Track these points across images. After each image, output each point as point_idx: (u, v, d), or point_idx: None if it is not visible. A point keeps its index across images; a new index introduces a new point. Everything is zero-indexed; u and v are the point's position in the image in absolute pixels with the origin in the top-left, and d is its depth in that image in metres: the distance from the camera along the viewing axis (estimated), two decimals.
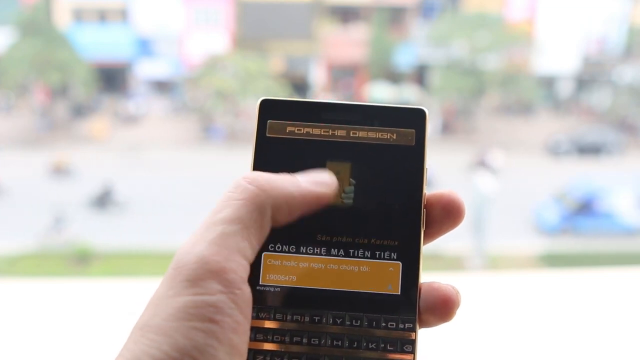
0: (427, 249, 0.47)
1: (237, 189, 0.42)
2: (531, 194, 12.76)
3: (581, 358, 2.34)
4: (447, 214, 0.46)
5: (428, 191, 0.47)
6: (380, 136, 0.47)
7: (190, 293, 0.38)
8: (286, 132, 0.48)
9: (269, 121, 0.48)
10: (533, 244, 10.61)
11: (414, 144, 0.47)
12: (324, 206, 0.44)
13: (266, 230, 0.42)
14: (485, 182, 9.55)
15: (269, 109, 0.48)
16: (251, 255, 0.41)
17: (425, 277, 0.45)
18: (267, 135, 0.48)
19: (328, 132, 0.47)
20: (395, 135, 0.47)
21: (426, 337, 0.46)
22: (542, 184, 13.61)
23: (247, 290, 0.40)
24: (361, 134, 0.48)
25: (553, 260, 9.76)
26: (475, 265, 8.97)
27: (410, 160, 0.47)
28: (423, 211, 0.46)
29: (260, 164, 0.47)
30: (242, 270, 0.40)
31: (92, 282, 6.37)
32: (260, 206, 0.41)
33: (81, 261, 9.55)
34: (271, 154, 0.47)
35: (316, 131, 0.48)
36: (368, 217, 0.46)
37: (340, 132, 0.48)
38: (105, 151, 16.83)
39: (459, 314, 0.44)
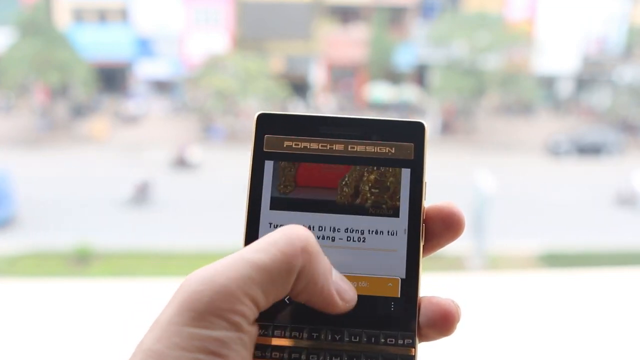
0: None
1: (287, 240, 0.40)
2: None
3: (581, 358, 2.34)
4: (447, 227, 0.45)
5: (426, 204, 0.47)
6: (378, 150, 0.47)
7: (197, 325, 0.38)
8: (283, 146, 0.47)
9: (266, 136, 0.47)
10: (533, 244, 10.62)
11: (412, 157, 0.47)
12: (327, 311, 0.43)
13: (287, 291, 0.41)
14: (485, 182, 9.54)
15: (266, 124, 0.47)
16: (264, 308, 0.41)
17: (426, 277, 0.45)
18: (265, 150, 0.47)
19: (326, 146, 0.47)
20: (393, 149, 0.47)
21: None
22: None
23: (253, 330, 0.40)
24: (359, 148, 0.47)
25: (553, 260, 9.75)
26: (475, 265, 8.97)
27: (409, 174, 0.46)
28: (422, 225, 0.45)
29: (257, 179, 0.47)
30: (251, 315, 0.40)
31: (92, 282, 6.37)
32: (293, 268, 0.40)
33: (81, 261, 9.55)
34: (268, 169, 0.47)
35: (314, 146, 0.47)
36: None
37: (338, 147, 0.47)
38: (105, 151, 16.82)
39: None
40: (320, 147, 0.47)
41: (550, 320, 2.59)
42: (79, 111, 19.82)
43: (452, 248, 8.98)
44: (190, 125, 19.40)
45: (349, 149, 0.47)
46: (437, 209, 0.46)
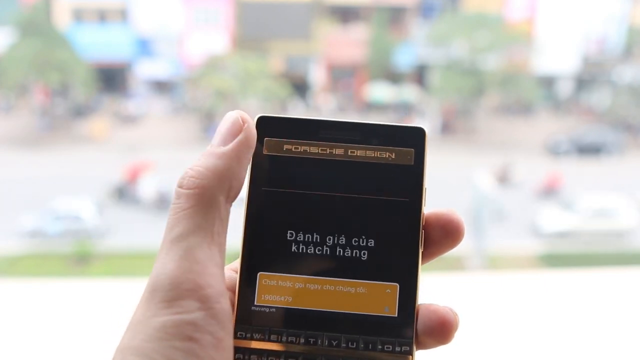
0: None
1: (181, 198, 0.41)
2: None
3: (580, 357, 2.34)
4: (446, 234, 0.45)
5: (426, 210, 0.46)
6: (378, 155, 0.46)
7: (168, 313, 0.38)
8: (283, 150, 0.47)
9: (265, 138, 0.47)
10: (533, 244, 10.62)
11: (412, 163, 0.46)
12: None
13: (227, 214, 0.42)
14: (484, 182, 9.54)
15: (266, 126, 0.47)
16: (222, 257, 0.41)
17: (425, 277, 0.45)
18: (264, 153, 0.47)
19: (326, 150, 0.47)
20: (394, 154, 0.46)
21: None
22: None
23: (225, 303, 0.40)
24: (359, 152, 0.47)
25: (553, 260, 9.75)
26: (475, 265, 8.97)
27: (409, 180, 0.46)
28: (421, 232, 0.45)
29: (256, 182, 0.46)
30: (217, 281, 0.40)
31: (92, 282, 6.37)
32: (212, 202, 0.41)
33: (81, 261, 9.55)
34: (268, 172, 0.46)
35: (314, 149, 0.47)
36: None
37: (339, 151, 0.47)
38: (105, 151, 16.82)
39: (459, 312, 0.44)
40: (320, 151, 0.47)
41: (549, 320, 2.60)
42: (79, 111, 19.81)
43: None
44: (190, 125, 19.39)
45: (349, 154, 0.47)
46: (437, 216, 0.45)
